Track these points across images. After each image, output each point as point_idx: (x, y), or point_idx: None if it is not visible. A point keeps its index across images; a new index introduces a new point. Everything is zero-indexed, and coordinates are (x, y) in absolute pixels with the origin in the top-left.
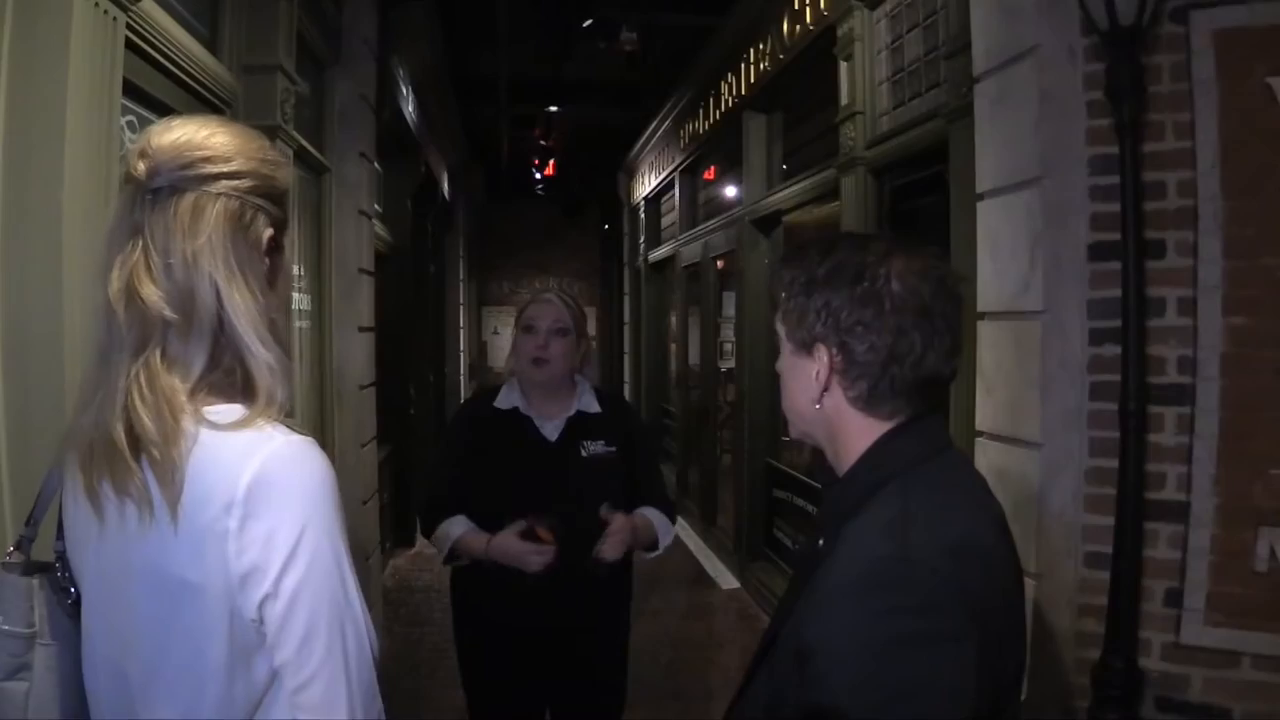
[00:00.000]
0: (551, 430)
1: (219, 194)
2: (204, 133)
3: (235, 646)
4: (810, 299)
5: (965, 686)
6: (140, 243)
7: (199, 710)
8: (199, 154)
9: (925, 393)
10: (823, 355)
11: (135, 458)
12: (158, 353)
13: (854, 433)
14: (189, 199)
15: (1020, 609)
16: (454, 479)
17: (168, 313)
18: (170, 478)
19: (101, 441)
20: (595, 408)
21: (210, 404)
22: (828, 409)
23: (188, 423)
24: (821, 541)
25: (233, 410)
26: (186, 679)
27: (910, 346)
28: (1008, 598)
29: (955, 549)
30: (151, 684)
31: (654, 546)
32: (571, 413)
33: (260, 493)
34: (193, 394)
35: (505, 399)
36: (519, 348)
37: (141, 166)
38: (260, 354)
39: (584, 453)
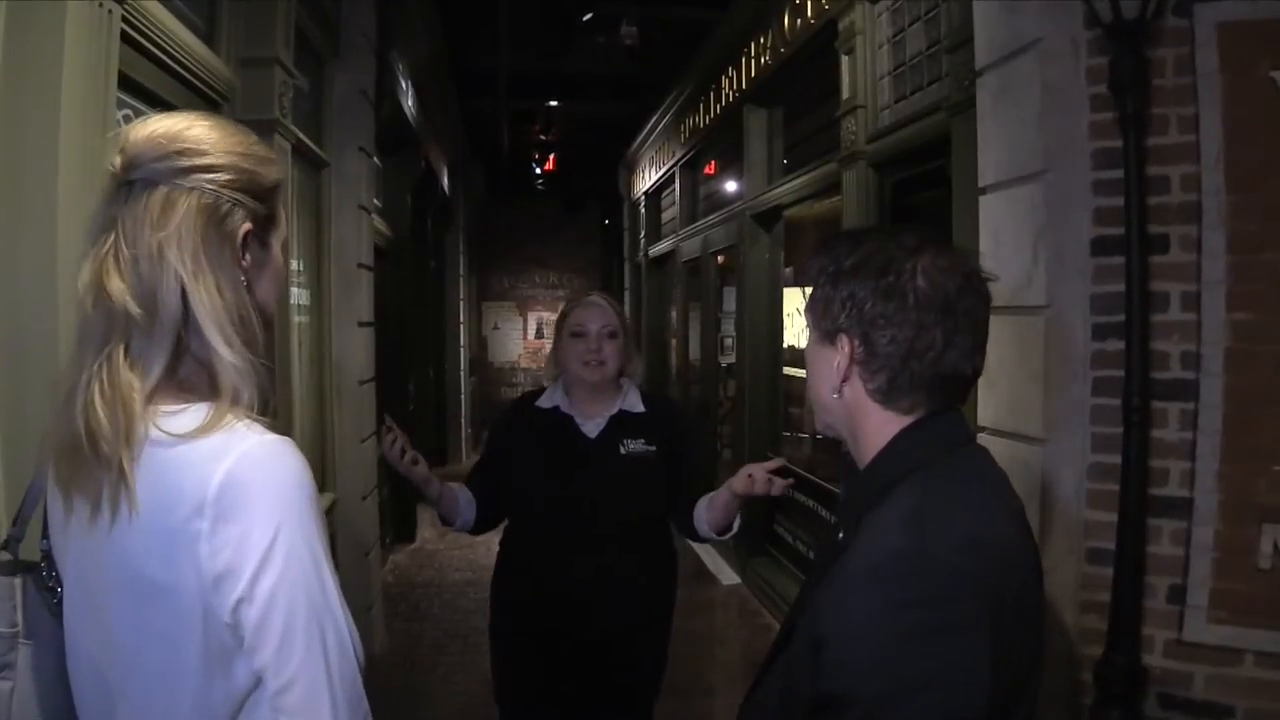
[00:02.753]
0: (592, 429)
1: (192, 188)
2: (181, 125)
3: (211, 649)
4: (836, 289)
5: (979, 678)
6: (112, 236)
7: (176, 712)
8: (174, 146)
9: (945, 389)
10: (844, 346)
11: (94, 454)
12: (121, 349)
13: (873, 426)
14: (161, 193)
15: (1038, 604)
16: (482, 468)
17: (132, 307)
18: (119, 477)
19: (68, 438)
20: (639, 408)
21: (173, 403)
22: (847, 400)
23: (139, 425)
24: (841, 534)
25: (198, 410)
26: (162, 681)
27: (931, 342)
28: (1025, 591)
29: (971, 542)
30: (128, 685)
31: (728, 530)
32: (614, 412)
33: (232, 494)
34: (153, 393)
35: (547, 399)
36: (569, 351)
37: (118, 160)
38: (224, 353)
39: (623, 450)
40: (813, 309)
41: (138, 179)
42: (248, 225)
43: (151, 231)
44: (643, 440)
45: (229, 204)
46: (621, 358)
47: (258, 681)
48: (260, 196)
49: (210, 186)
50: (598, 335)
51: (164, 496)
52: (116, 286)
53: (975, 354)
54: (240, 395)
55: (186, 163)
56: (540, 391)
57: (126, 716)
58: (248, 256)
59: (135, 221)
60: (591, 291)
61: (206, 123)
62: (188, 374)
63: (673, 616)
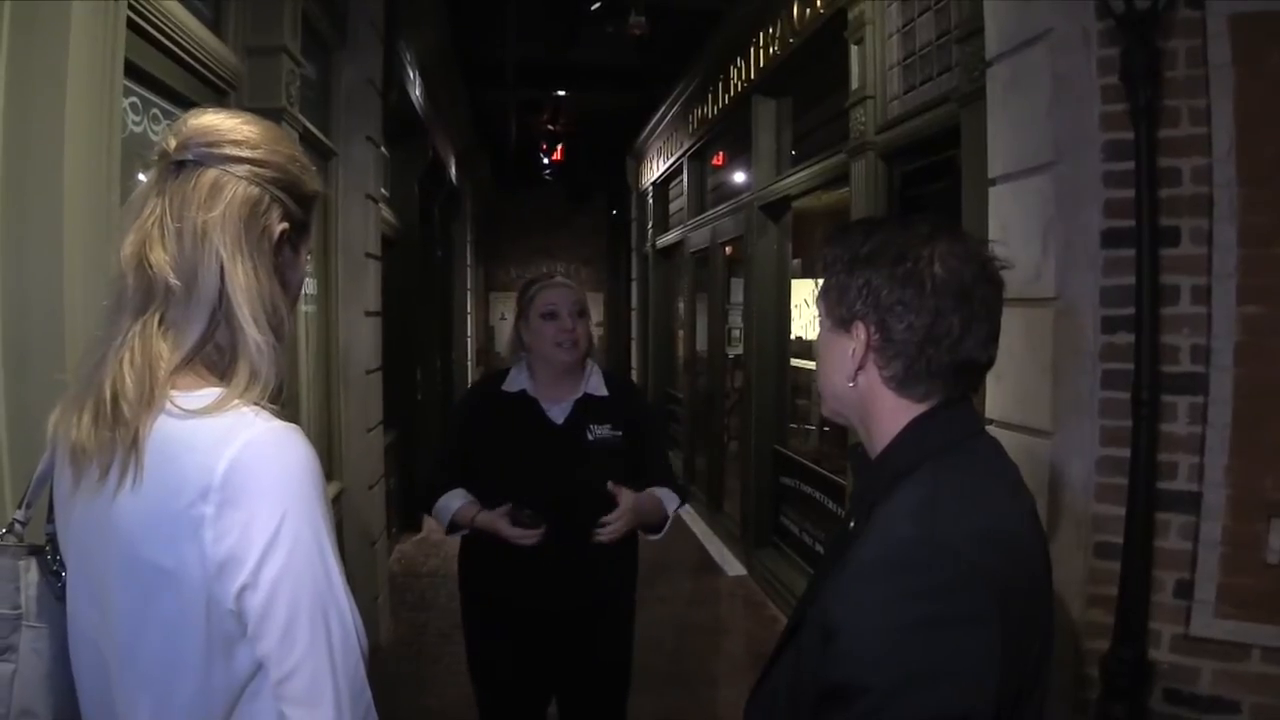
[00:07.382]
0: (558, 414)
1: (240, 177)
2: (236, 120)
3: (214, 636)
4: (852, 277)
5: (986, 670)
6: (158, 209)
7: (175, 697)
8: (228, 136)
9: (960, 377)
10: (860, 333)
11: (114, 417)
12: (157, 317)
13: (886, 413)
14: (211, 174)
15: (1048, 598)
16: (456, 457)
17: (172, 279)
18: (133, 442)
19: (92, 398)
20: (602, 391)
21: (188, 385)
22: (861, 388)
23: (159, 397)
24: (853, 523)
25: (209, 394)
26: (163, 666)
27: (948, 329)
28: (1034, 585)
29: (982, 534)
30: (127, 668)
31: (659, 528)
32: (579, 395)
33: (238, 479)
34: (179, 366)
35: (513, 382)
36: (540, 333)
37: (172, 141)
38: (252, 333)
39: (590, 436)
40: (827, 297)
41: (189, 159)
42: (284, 225)
43: (198, 211)
44: (608, 425)
45: (271, 200)
46: (589, 337)
47: (259, 668)
48: (300, 201)
49: (257, 179)
50: (570, 315)
51: (169, 478)
52: (159, 257)
53: (990, 342)
54: (259, 375)
55: (238, 152)
56: (500, 374)
57: (125, 700)
58: (279, 257)
59: (183, 199)
60: (554, 273)
61: (259, 124)
62: (209, 358)
63: (634, 597)
